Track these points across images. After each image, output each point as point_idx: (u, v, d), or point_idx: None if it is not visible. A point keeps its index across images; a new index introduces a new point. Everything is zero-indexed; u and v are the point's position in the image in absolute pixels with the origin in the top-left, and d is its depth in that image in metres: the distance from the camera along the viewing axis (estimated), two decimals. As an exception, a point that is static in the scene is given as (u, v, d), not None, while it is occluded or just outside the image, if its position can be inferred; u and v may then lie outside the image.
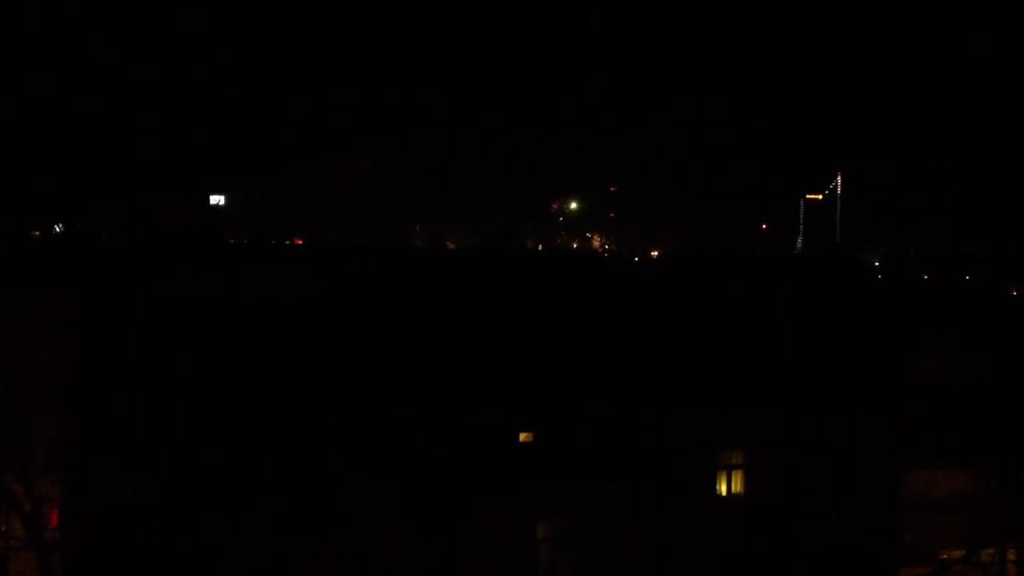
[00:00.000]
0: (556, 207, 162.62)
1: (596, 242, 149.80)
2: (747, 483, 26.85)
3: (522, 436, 25.71)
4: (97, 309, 26.84)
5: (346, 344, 25.59)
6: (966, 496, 29.96)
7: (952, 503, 30.14)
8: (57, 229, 50.78)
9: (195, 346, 24.81)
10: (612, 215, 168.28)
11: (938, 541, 30.12)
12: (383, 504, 24.34)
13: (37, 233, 48.71)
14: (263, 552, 23.62)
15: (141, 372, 24.28)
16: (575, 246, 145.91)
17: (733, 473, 26.99)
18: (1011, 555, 29.94)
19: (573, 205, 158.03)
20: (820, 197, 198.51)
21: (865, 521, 26.66)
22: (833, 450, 26.47)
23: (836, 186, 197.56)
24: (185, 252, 31.01)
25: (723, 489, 26.95)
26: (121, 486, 23.69)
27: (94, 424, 24.29)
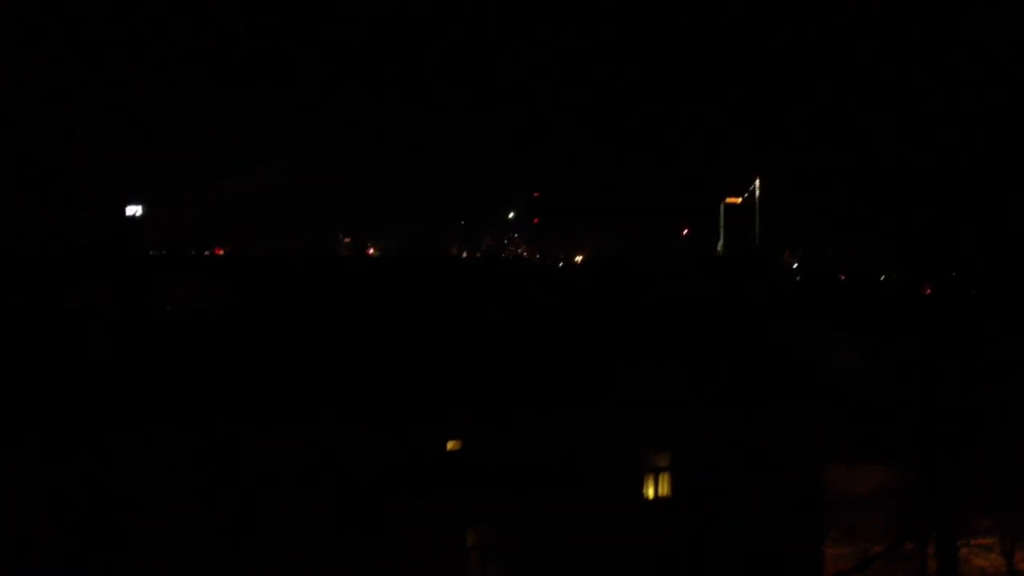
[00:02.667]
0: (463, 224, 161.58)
1: (521, 248, 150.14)
2: (674, 485, 26.98)
3: (450, 444, 25.56)
4: (5, 324, 26.07)
5: (267, 353, 25.25)
6: (886, 491, 30.57)
7: (872, 498, 30.74)
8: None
9: (107, 359, 24.24)
10: (536, 221, 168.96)
11: (860, 535, 30.67)
12: (311, 513, 24.01)
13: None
14: (177, 566, 23.10)
15: (53, 385, 23.61)
16: (502, 252, 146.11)
17: (660, 476, 27.10)
18: (931, 549, 30.60)
19: (510, 215, 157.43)
20: (739, 200, 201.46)
21: (789, 517, 26.99)
22: (756, 448, 26.77)
23: (755, 189, 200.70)
24: (99, 264, 30.25)
25: (650, 492, 27.06)
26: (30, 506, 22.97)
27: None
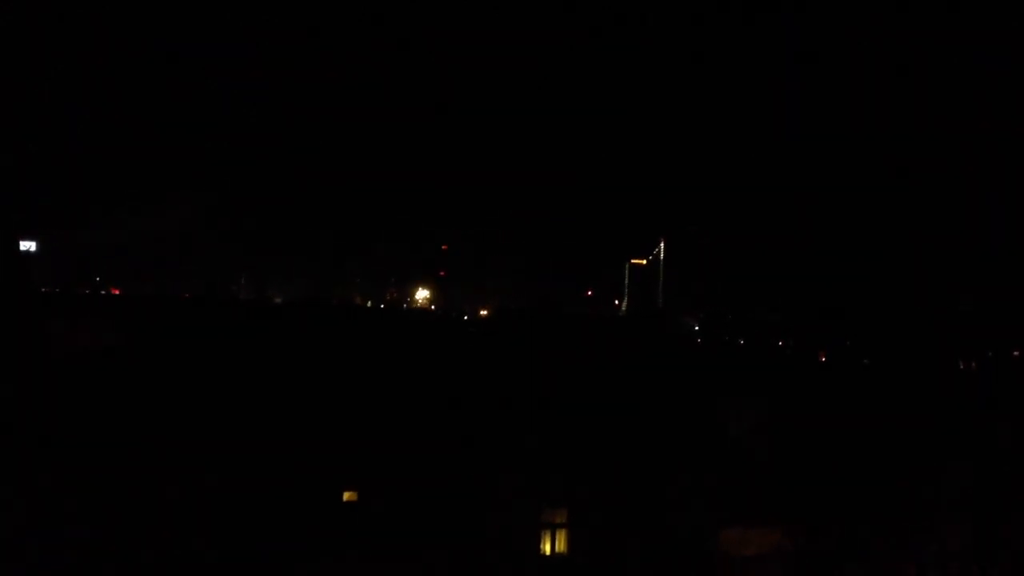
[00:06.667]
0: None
1: (425, 300, 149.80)
2: (570, 543, 26.89)
3: (346, 495, 25.12)
4: None
5: (161, 397, 24.57)
6: (777, 553, 30.91)
7: (763, 560, 31.05)
8: None
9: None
10: (443, 273, 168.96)
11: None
12: (202, 564, 23.28)
13: None
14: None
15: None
16: (405, 304, 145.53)
17: (557, 532, 27.00)
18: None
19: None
20: (644, 262, 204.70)
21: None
22: (650, 508, 26.91)
23: (660, 251, 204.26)
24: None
25: (547, 549, 26.91)
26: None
27: None
